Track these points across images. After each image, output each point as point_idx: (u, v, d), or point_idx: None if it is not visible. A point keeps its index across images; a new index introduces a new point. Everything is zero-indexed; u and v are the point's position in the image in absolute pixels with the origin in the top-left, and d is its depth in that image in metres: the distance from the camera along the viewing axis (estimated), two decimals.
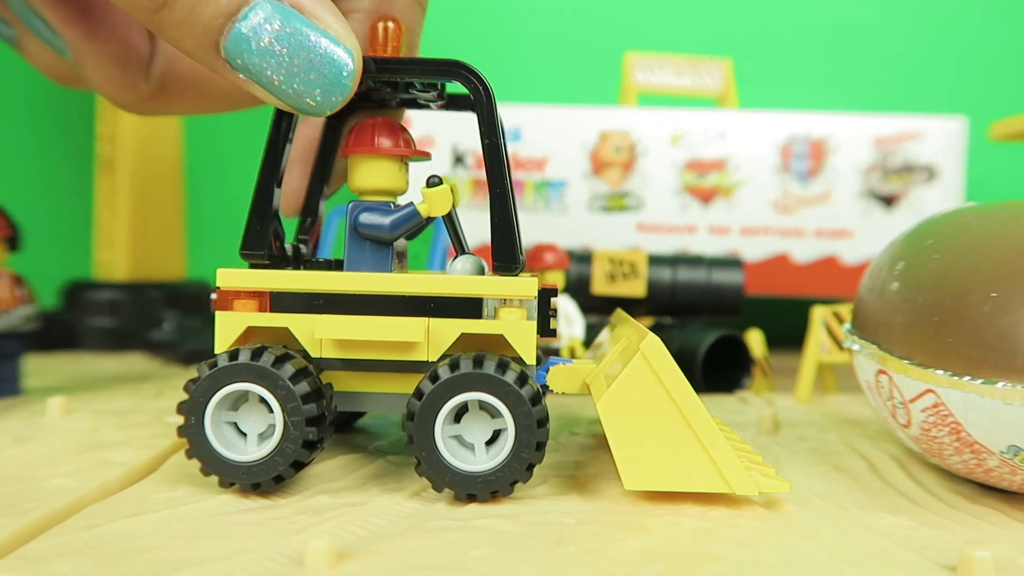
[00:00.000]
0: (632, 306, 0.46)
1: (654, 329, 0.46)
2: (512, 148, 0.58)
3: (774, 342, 0.57)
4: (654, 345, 0.22)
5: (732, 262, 0.47)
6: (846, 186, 0.58)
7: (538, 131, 0.58)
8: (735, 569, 0.18)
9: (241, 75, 0.22)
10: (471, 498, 0.22)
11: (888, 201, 0.58)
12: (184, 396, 0.23)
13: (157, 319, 0.50)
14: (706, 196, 0.58)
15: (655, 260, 0.47)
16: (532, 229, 0.58)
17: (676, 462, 0.22)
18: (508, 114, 0.59)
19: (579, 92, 0.66)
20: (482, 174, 0.57)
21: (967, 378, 0.21)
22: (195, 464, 0.26)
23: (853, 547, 0.20)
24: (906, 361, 0.23)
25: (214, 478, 0.23)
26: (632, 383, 0.22)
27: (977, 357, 0.21)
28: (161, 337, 0.48)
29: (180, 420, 0.32)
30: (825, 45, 0.67)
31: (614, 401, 0.22)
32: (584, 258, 0.46)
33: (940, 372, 0.22)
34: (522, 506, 0.22)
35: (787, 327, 0.58)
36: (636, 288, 0.46)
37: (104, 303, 0.50)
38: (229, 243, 0.67)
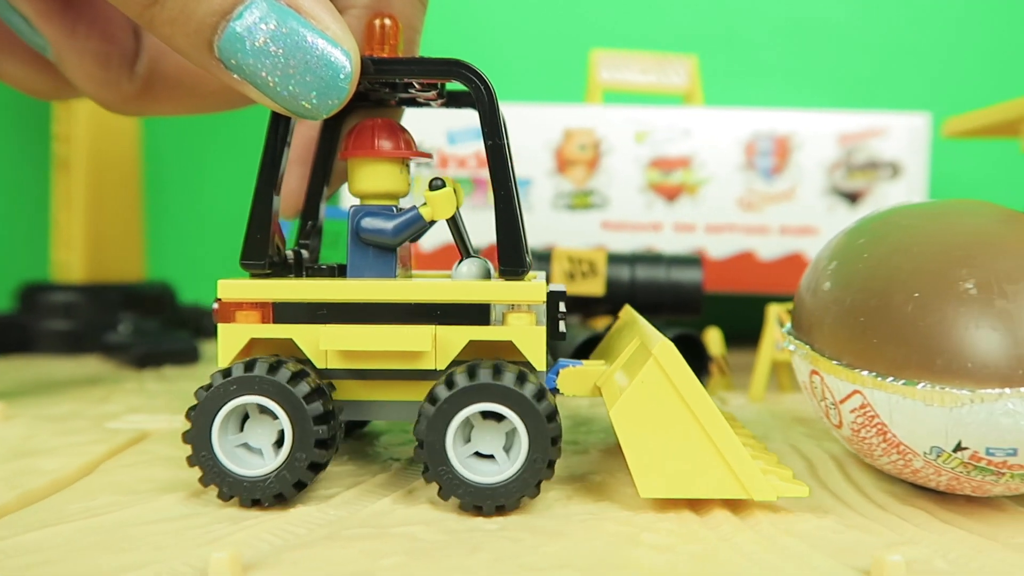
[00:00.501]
0: (591, 305, 0.46)
1: (610, 327, 0.46)
2: (477, 147, 0.58)
3: (739, 340, 0.57)
4: (667, 350, 0.22)
5: (691, 260, 0.47)
6: (811, 183, 0.58)
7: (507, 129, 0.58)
8: (644, 574, 0.18)
9: (235, 75, 0.21)
10: (477, 510, 0.22)
11: (853, 198, 0.58)
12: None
13: (114, 321, 0.50)
14: (671, 194, 0.58)
15: (614, 258, 0.46)
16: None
17: (692, 469, 0.22)
18: (471, 112, 0.58)
19: (545, 90, 0.66)
20: (443, 173, 0.57)
21: (890, 379, 0.21)
22: (120, 472, 0.26)
23: (770, 551, 0.20)
24: (835, 362, 0.23)
25: (141, 486, 0.22)
26: (645, 389, 0.22)
27: (900, 358, 0.21)
28: (117, 340, 0.48)
29: (123, 426, 0.32)
30: (791, 42, 0.67)
31: (627, 407, 0.22)
32: (543, 256, 0.46)
33: (865, 373, 0.22)
34: (445, 513, 0.22)
35: (752, 324, 0.58)
36: (595, 287, 0.46)
37: (59, 305, 0.50)
38: (189, 244, 0.66)
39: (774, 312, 0.40)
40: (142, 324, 0.49)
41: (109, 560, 0.18)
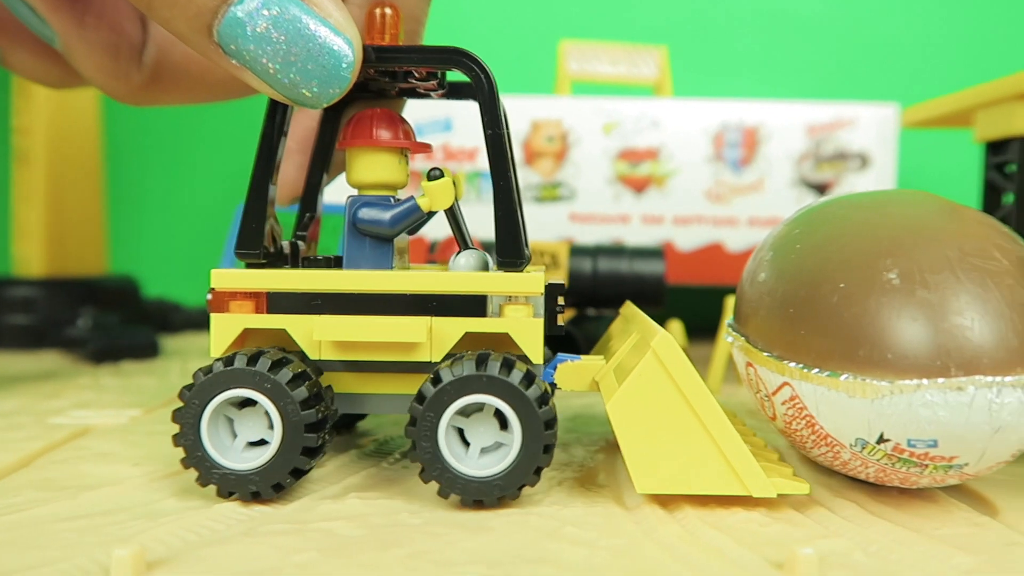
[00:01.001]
0: None
1: (574, 320, 0.46)
2: (443, 139, 0.58)
3: (707, 332, 0.57)
4: (666, 343, 0.21)
5: (654, 252, 0.47)
6: (779, 174, 0.57)
7: (469, 121, 0.57)
8: (559, 570, 0.18)
9: (235, 62, 0.21)
10: (478, 504, 0.22)
11: (821, 189, 0.58)
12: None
13: (74, 316, 0.49)
14: (639, 185, 0.57)
15: (576, 251, 0.46)
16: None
17: (690, 464, 0.21)
18: (439, 104, 0.58)
19: (514, 82, 0.65)
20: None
21: (816, 371, 0.21)
22: (51, 468, 0.25)
23: (692, 544, 0.20)
24: (766, 353, 0.23)
25: (69, 482, 0.22)
26: (643, 383, 0.21)
27: (825, 349, 0.21)
28: (76, 334, 0.47)
29: (66, 421, 0.32)
30: (761, 32, 0.66)
31: (625, 401, 0.21)
32: None
33: (793, 364, 0.22)
34: (373, 507, 0.22)
35: (719, 317, 0.58)
36: (557, 279, 0.46)
37: (19, 300, 0.49)
38: (156, 238, 0.66)
39: (731, 303, 0.39)
40: (102, 319, 0.49)
41: (14, 558, 0.18)
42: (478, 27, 0.66)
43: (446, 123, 0.58)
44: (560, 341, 0.42)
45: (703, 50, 0.66)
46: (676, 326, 0.46)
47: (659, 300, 0.46)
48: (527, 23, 0.66)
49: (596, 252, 0.46)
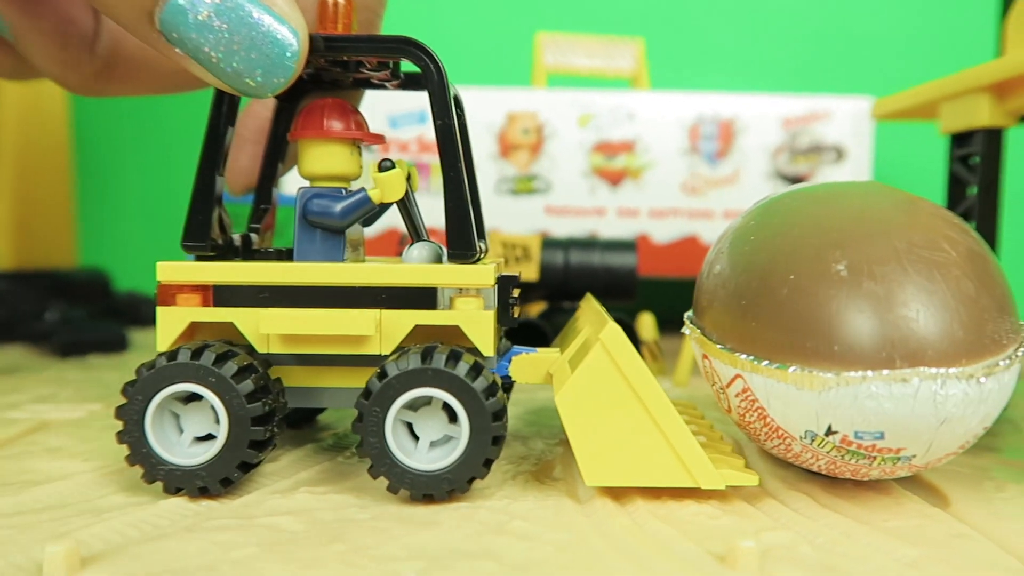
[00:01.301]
0: (526, 290, 0.46)
1: (547, 313, 0.46)
2: (419, 131, 0.57)
3: (681, 325, 0.56)
4: (614, 335, 0.21)
5: (625, 244, 0.46)
6: (755, 167, 0.57)
7: None
8: (498, 565, 0.18)
9: (178, 50, 0.21)
10: (428, 498, 0.21)
11: (796, 182, 0.58)
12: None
13: (42, 309, 0.49)
14: (615, 178, 0.57)
15: (548, 243, 0.46)
16: (439, 213, 0.57)
17: (639, 457, 0.21)
18: (414, 95, 0.57)
19: (491, 74, 0.65)
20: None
21: (765, 363, 0.21)
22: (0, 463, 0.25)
23: (638, 537, 0.19)
24: (719, 346, 0.23)
25: (16, 477, 0.22)
26: (592, 375, 0.21)
27: (774, 341, 0.21)
28: (43, 328, 0.47)
29: (23, 416, 0.31)
30: (738, 25, 0.66)
31: (573, 394, 0.21)
32: None
33: (744, 357, 0.21)
34: (322, 502, 0.22)
35: None
36: (529, 272, 0.45)
37: None
38: (128, 230, 0.65)
39: None
40: (70, 312, 0.48)
41: None
42: (455, 19, 0.66)
43: (421, 115, 0.57)
44: (530, 334, 0.42)
45: (680, 42, 0.66)
46: (647, 319, 0.45)
47: (630, 293, 0.46)
48: (504, 15, 0.66)
49: (568, 245, 0.46)
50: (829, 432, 0.20)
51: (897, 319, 0.19)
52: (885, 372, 0.19)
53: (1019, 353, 0.20)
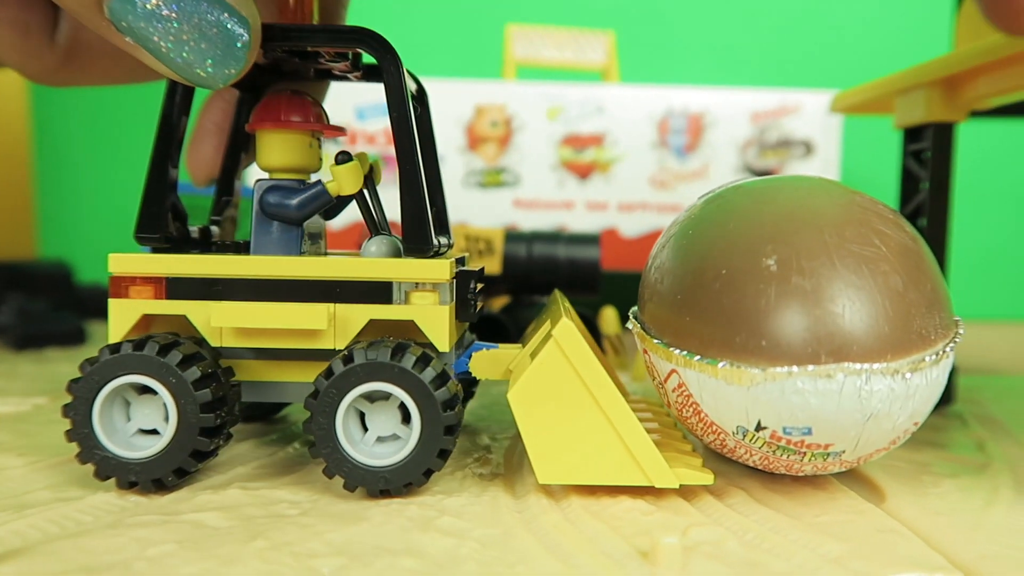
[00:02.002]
0: (489, 284, 0.46)
1: (510, 307, 0.45)
2: (386, 123, 0.57)
3: None
4: (567, 331, 0.21)
5: (589, 238, 0.46)
6: (723, 161, 0.57)
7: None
8: (419, 561, 0.18)
9: (128, 39, 0.20)
10: (385, 494, 0.21)
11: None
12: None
13: None
14: (583, 171, 0.57)
15: (511, 237, 0.46)
16: None
17: (593, 454, 0.21)
18: (381, 88, 0.57)
19: (461, 66, 0.65)
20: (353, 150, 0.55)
21: (697, 358, 0.21)
22: None
23: (566, 533, 0.19)
24: (656, 340, 0.22)
25: None
26: (545, 371, 0.21)
27: (706, 336, 0.21)
28: (0, 321, 0.46)
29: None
30: (708, 19, 0.66)
31: (525, 390, 0.21)
32: None
33: (678, 352, 0.21)
34: (253, 497, 0.21)
35: None
36: (491, 265, 0.45)
37: None
38: (93, 222, 0.64)
39: None
40: (28, 305, 0.47)
41: None
42: (424, 10, 0.65)
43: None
44: (493, 328, 0.42)
45: (650, 36, 0.66)
46: (610, 312, 0.45)
47: (594, 287, 0.46)
48: (474, 7, 0.66)
49: (531, 238, 0.46)
50: (759, 427, 0.20)
51: (824, 314, 0.19)
52: (810, 368, 0.19)
53: (947, 349, 0.20)
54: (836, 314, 0.19)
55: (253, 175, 0.51)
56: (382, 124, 0.56)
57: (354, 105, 0.57)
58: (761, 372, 0.19)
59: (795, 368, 0.19)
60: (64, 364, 0.41)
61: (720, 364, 0.20)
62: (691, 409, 0.22)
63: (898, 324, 0.19)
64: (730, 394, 0.20)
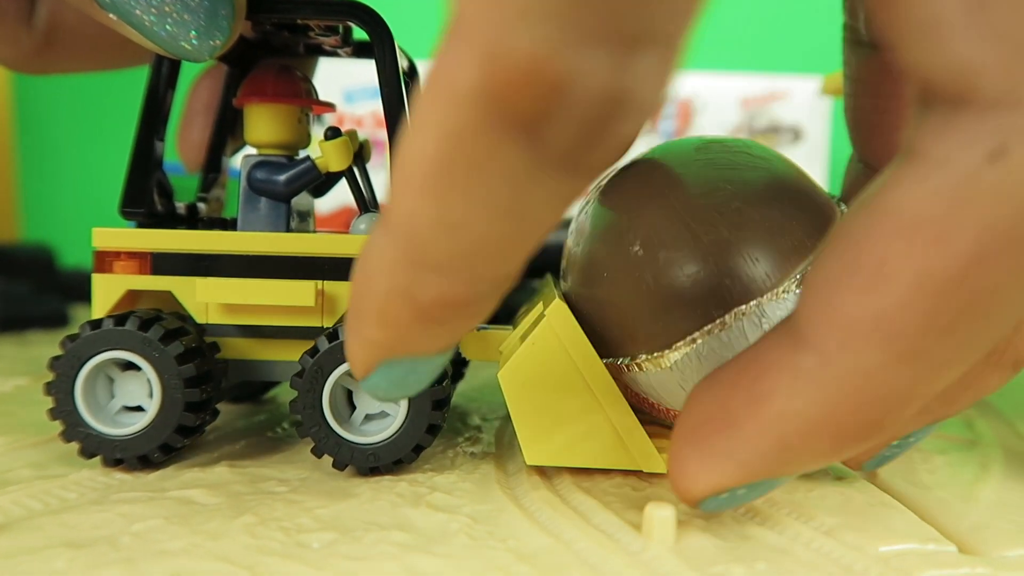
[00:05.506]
0: None
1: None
2: (374, 106, 0.56)
3: None
4: (560, 311, 0.20)
5: (566, 222, 0.46)
6: None
7: None
8: (409, 535, 0.17)
9: (111, 15, 0.20)
10: (375, 471, 0.21)
11: None
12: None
13: None
14: None
15: None
16: None
17: (581, 436, 0.21)
18: (371, 68, 0.56)
19: None
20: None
21: (608, 360, 0.21)
22: None
23: (556, 509, 0.19)
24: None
25: None
26: (536, 352, 0.20)
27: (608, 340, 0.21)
28: None
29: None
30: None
31: (515, 370, 0.20)
32: None
33: (606, 361, 0.21)
34: (241, 475, 0.21)
35: None
36: None
37: None
38: (77, 204, 0.64)
39: None
40: (9, 288, 0.47)
41: None
42: None
43: (376, 90, 0.56)
44: None
45: None
46: None
47: None
48: None
49: None
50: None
51: (712, 272, 0.19)
52: (707, 327, 0.19)
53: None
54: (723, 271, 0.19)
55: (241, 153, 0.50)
56: (371, 107, 0.56)
57: (342, 87, 0.56)
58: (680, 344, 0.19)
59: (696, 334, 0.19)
60: (46, 347, 0.40)
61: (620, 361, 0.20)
62: (644, 403, 0.22)
63: (779, 261, 0.19)
64: (651, 384, 0.20)
